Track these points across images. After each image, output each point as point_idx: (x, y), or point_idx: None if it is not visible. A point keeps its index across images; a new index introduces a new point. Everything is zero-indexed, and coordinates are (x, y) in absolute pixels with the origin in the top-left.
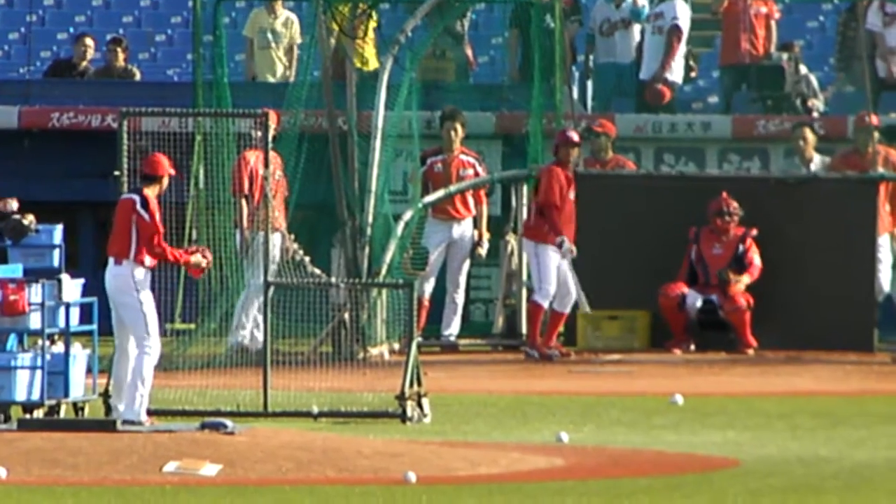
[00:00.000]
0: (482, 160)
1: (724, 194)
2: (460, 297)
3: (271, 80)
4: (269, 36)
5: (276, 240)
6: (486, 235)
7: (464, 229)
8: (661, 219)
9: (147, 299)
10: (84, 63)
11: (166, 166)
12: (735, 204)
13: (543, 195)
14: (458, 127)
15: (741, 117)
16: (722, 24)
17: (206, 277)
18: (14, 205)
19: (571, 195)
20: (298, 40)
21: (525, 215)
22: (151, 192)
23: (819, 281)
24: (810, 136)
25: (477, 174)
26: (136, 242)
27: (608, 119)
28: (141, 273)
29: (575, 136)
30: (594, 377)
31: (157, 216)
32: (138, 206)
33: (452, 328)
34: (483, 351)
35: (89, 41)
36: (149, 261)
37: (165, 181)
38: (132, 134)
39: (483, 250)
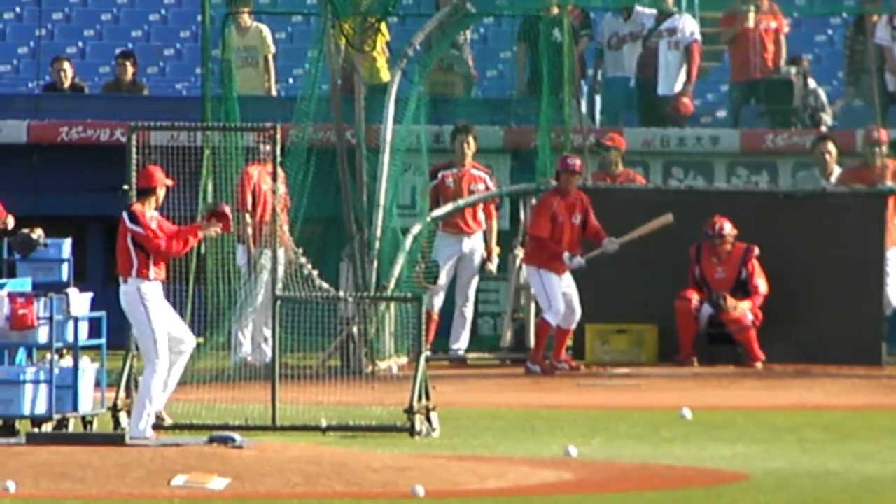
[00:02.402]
0: (493, 174)
1: (716, 217)
2: (469, 311)
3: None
4: (245, 54)
5: (279, 255)
6: (495, 250)
7: (473, 243)
8: (668, 233)
9: (157, 316)
10: (66, 85)
11: (160, 178)
12: (728, 226)
13: (530, 226)
14: (471, 140)
15: (750, 131)
16: (728, 41)
17: (215, 291)
18: (11, 221)
19: (577, 219)
20: (272, 50)
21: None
22: (143, 205)
23: (827, 295)
24: (832, 149)
25: (488, 188)
26: (136, 258)
27: (617, 132)
28: (147, 287)
29: (577, 165)
30: (602, 391)
31: (155, 223)
32: (128, 223)
33: (461, 342)
34: (491, 365)
35: (67, 65)
36: (154, 273)
37: (161, 192)
38: (141, 148)
39: (493, 266)
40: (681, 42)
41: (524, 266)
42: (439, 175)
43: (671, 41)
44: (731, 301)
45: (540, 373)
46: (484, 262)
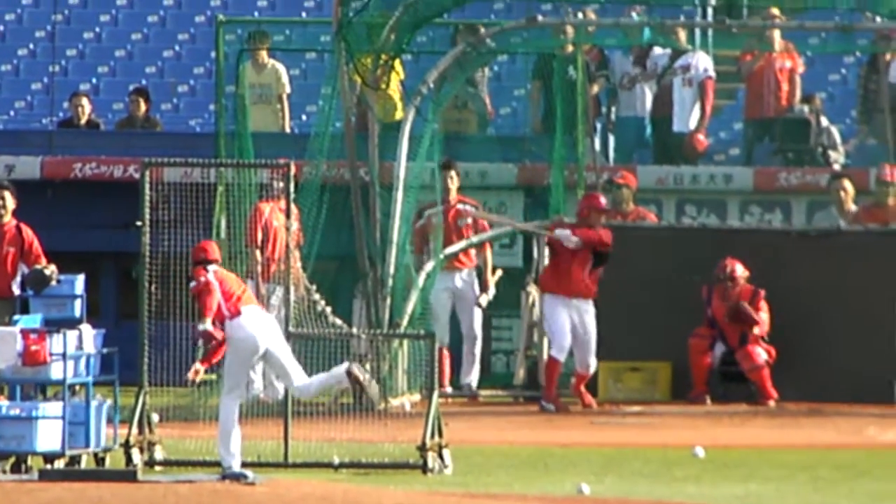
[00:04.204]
0: (479, 207)
1: (728, 259)
2: (478, 348)
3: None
4: (259, 90)
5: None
6: (492, 281)
7: (465, 279)
8: (682, 270)
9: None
10: (83, 121)
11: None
12: (740, 268)
13: (585, 233)
14: (454, 176)
15: (763, 169)
16: (745, 78)
17: None
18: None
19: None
20: (287, 90)
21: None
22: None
23: (840, 333)
24: (849, 187)
25: (475, 221)
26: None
27: (630, 171)
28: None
29: (604, 202)
30: (616, 428)
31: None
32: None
33: (471, 378)
34: (504, 402)
35: (85, 101)
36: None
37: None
38: (154, 184)
39: (484, 301)
40: (694, 79)
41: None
42: (425, 215)
43: (685, 78)
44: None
45: (554, 411)
46: (478, 296)
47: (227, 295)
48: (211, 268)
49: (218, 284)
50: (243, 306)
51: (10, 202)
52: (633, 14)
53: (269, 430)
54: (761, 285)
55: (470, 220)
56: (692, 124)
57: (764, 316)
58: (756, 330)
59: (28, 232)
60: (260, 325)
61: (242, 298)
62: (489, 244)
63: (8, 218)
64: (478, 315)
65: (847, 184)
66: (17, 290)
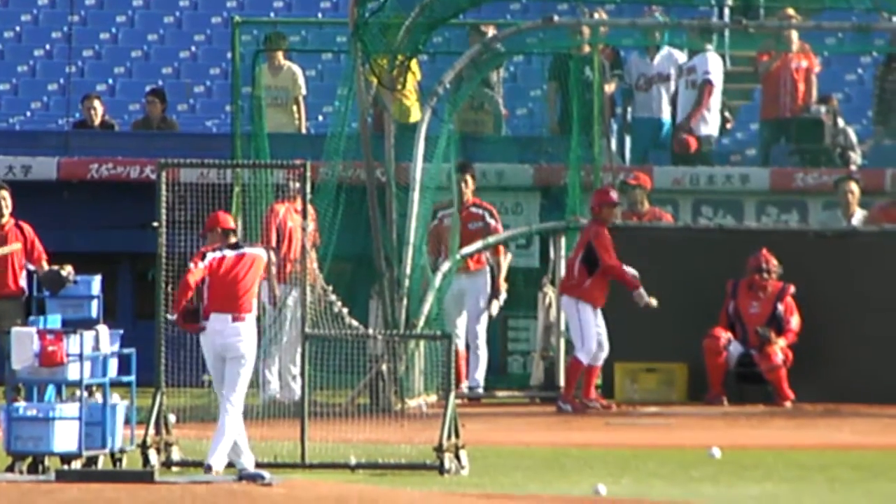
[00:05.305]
0: (493, 211)
1: (765, 251)
2: (483, 349)
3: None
4: (275, 93)
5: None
6: (503, 287)
7: (476, 280)
8: (698, 271)
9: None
10: (96, 122)
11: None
12: (774, 261)
13: (608, 257)
14: (469, 179)
15: (779, 170)
16: (761, 78)
17: None
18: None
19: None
20: (304, 92)
21: (563, 268)
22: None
23: (857, 333)
24: (855, 189)
25: (487, 225)
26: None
27: (646, 172)
28: None
29: (616, 196)
30: (632, 429)
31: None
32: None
33: (477, 378)
34: (521, 403)
35: (97, 103)
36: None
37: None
38: (170, 185)
39: (495, 307)
40: (696, 81)
41: (563, 297)
42: (438, 215)
43: (689, 80)
44: (773, 335)
45: (572, 412)
46: (490, 298)
47: (210, 293)
48: (210, 256)
49: (209, 277)
50: (214, 313)
51: (9, 201)
52: (657, 14)
53: (286, 431)
54: None
55: (482, 224)
56: (697, 127)
57: (795, 321)
58: (782, 342)
59: (28, 230)
60: (215, 336)
61: (221, 302)
62: (504, 249)
63: (7, 218)
64: (484, 317)
65: (854, 186)
66: (24, 285)
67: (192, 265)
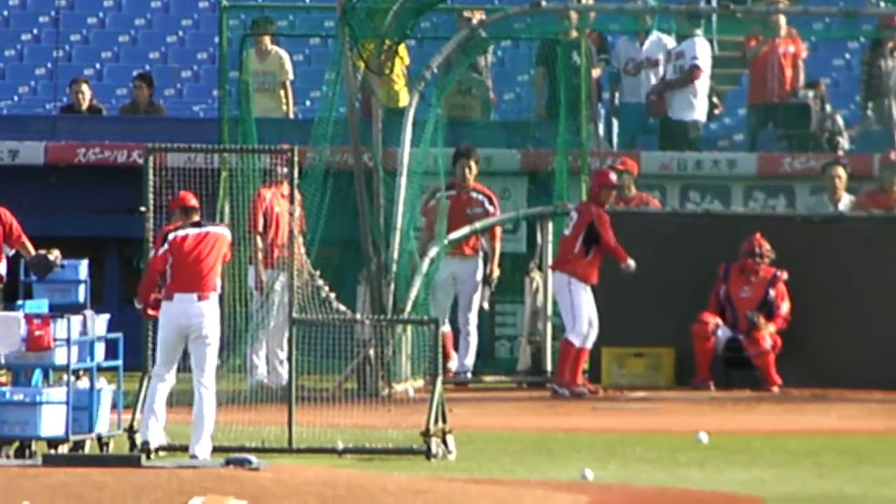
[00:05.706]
0: (493, 198)
1: (758, 235)
2: (473, 335)
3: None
4: (262, 78)
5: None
6: (496, 272)
7: (469, 266)
8: (686, 256)
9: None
10: (84, 107)
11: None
12: (767, 246)
13: (609, 238)
14: (472, 164)
15: (767, 155)
16: (749, 63)
17: (231, 313)
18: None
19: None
20: (291, 77)
21: (550, 252)
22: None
23: (844, 318)
24: (843, 174)
25: (486, 211)
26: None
27: (633, 157)
28: None
29: (615, 179)
30: (619, 414)
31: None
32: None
33: (467, 363)
34: (508, 388)
35: (85, 87)
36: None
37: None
38: (158, 170)
39: (486, 294)
40: (684, 67)
41: (555, 273)
42: (437, 195)
43: (677, 65)
44: (762, 320)
45: (569, 395)
46: (484, 283)
47: (173, 272)
48: (172, 236)
49: (172, 257)
50: (178, 292)
51: None
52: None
53: (273, 416)
54: None
55: (480, 210)
56: (692, 114)
57: (785, 307)
58: (771, 327)
59: (7, 213)
60: (180, 316)
61: (184, 281)
62: (499, 233)
63: None
64: (476, 302)
65: (840, 170)
66: (2, 272)
67: (153, 252)
